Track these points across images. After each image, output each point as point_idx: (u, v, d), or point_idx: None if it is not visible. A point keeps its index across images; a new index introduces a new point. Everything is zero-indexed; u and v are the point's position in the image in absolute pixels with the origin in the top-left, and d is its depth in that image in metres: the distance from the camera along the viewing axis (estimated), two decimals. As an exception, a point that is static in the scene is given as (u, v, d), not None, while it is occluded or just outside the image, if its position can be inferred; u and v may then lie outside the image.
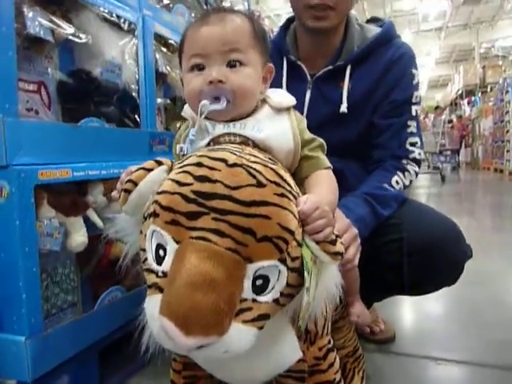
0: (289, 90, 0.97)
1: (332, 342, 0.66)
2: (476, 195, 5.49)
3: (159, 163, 0.50)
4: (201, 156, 0.47)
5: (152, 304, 0.44)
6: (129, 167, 0.56)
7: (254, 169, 0.45)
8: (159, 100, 1.17)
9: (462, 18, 13.47)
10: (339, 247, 0.48)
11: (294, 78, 1.00)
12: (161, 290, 0.44)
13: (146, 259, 0.48)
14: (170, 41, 1.18)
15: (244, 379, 0.61)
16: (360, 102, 0.98)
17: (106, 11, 0.93)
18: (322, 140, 0.66)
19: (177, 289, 0.41)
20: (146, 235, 0.48)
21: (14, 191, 0.70)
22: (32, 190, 0.73)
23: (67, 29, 0.83)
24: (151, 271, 0.47)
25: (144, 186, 0.49)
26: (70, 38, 0.85)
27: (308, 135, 0.64)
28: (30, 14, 0.74)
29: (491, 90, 10.81)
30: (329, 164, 0.65)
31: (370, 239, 0.81)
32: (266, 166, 0.47)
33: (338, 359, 0.66)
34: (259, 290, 0.44)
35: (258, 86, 0.62)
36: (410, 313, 1.46)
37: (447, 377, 1.04)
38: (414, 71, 1.00)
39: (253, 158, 0.47)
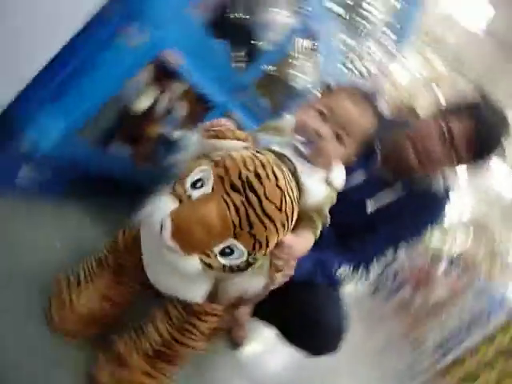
0: None
1: (219, 312, 0.86)
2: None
3: (245, 139, 0.69)
4: (269, 162, 0.65)
5: (168, 202, 0.63)
6: (224, 120, 0.74)
7: (286, 198, 0.64)
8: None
9: None
10: (277, 278, 0.69)
11: None
12: (180, 200, 0.64)
13: (184, 177, 0.67)
14: None
15: (157, 280, 0.80)
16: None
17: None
18: (328, 220, 0.83)
19: (191, 213, 0.60)
20: (199, 164, 0.67)
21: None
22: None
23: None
24: (182, 186, 0.66)
25: (225, 144, 0.68)
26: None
27: (325, 210, 0.82)
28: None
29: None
30: (318, 234, 0.83)
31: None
32: (292, 201, 0.66)
33: (211, 324, 0.87)
34: (223, 253, 0.65)
35: (335, 163, 0.82)
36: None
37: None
38: None
39: (290, 191, 0.66)
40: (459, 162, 1.06)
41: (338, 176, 0.83)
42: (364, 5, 1.31)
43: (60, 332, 0.81)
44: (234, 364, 1.34)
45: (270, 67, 1.32)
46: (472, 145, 1.02)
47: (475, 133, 1.01)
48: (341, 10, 1.26)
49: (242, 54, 1.20)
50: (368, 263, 1.15)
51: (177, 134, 1.20)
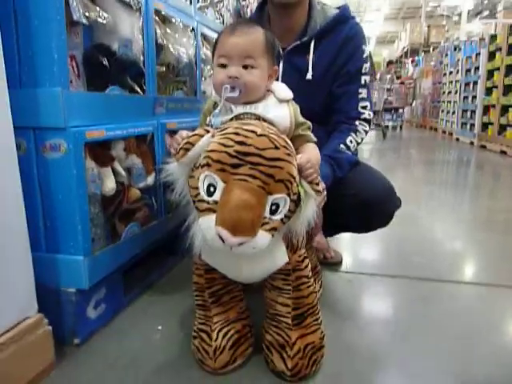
0: None
1: (306, 253, 0.97)
2: (411, 151, 6.11)
3: (207, 131, 0.75)
4: (237, 128, 0.72)
5: (208, 220, 0.70)
6: (180, 132, 0.80)
7: (273, 137, 0.71)
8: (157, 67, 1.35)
9: (412, -26, 13.80)
10: (320, 187, 0.77)
11: None
12: (213, 211, 0.71)
13: (197, 194, 0.74)
14: (163, 12, 1.35)
15: (248, 277, 0.90)
16: (322, 71, 1.23)
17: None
18: (309, 123, 0.93)
19: (228, 209, 0.67)
20: (198, 178, 0.73)
21: (71, 147, 0.91)
22: (83, 147, 0.94)
23: (95, 11, 1.01)
24: (203, 201, 0.73)
25: (198, 147, 0.73)
26: (97, 19, 1.02)
27: (301, 119, 0.91)
28: (74, 4, 0.91)
29: (433, 50, 11.42)
30: (314, 139, 0.92)
31: (329, 192, 1.08)
32: (278, 135, 0.73)
33: (309, 264, 0.97)
34: (273, 212, 0.73)
35: (264, 82, 0.88)
36: (353, 244, 1.85)
37: (378, 286, 1.43)
38: (364, 47, 1.26)
39: (270, 130, 0.73)
40: None
41: (282, 90, 0.90)
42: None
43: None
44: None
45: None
46: None
47: None
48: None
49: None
50: (358, 115, 1.24)
51: (149, 180, 1.25)
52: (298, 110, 0.92)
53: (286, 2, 1.16)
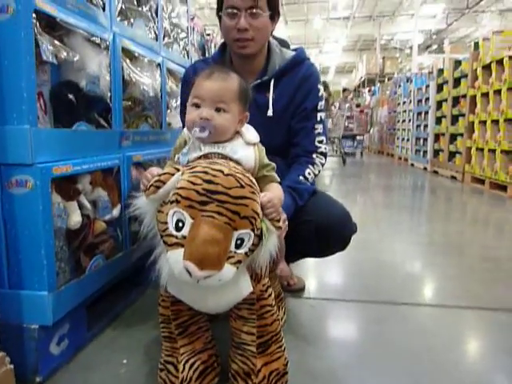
0: None
1: (269, 282, 1.01)
2: (370, 176, 6.38)
3: (177, 170, 0.79)
4: (205, 167, 0.77)
5: (176, 254, 0.74)
6: (150, 169, 0.84)
7: (239, 177, 0.77)
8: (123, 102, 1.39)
9: (367, 10, 14.77)
10: (281, 223, 0.83)
11: None
12: (181, 246, 0.74)
13: (166, 229, 0.77)
14: (131, 50, 1.40)
15: (214, 307, 0.93)
16: (282, 108, 1.32)
17: (86, 32, 1.13)
18: (274, 164, 0.99)
19: (196, 244, 0.72)
20: (167, 213, 0.77)
21: (38, 184, 0.92)
22: (49, 182, 0.95)
23: (64, 51, 1.04)
24: (171, 236, 0.76)
25: (169, 185, 0.78)
26: (65, 57, 1.05)
27: (266, 161, 0.97)
28: (43, 45, 0.94)
29: (388, 80, 12.12)
30: (278, 179, 0.99)
31: (290, 220, 1.15)
32: (244, 174, 0.79)
33: (273, 293, 1.02)
34: (238, 246, 0.77)
35: (233, 126, 0.93)
36: (315, 271, 1.92)
37: (339, 310, 1.49)
38: (319, 87, 1.36)
39: (236, 170, 0.79)
40: None
41: (250, 133, 0.97)
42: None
43: None
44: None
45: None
46: None
47: None
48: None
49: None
50: (315, 149, 1.34)
51: (114, 213, 1.27)
52: (264, 152, 0.98)
53: (245, 53, 1.25)
